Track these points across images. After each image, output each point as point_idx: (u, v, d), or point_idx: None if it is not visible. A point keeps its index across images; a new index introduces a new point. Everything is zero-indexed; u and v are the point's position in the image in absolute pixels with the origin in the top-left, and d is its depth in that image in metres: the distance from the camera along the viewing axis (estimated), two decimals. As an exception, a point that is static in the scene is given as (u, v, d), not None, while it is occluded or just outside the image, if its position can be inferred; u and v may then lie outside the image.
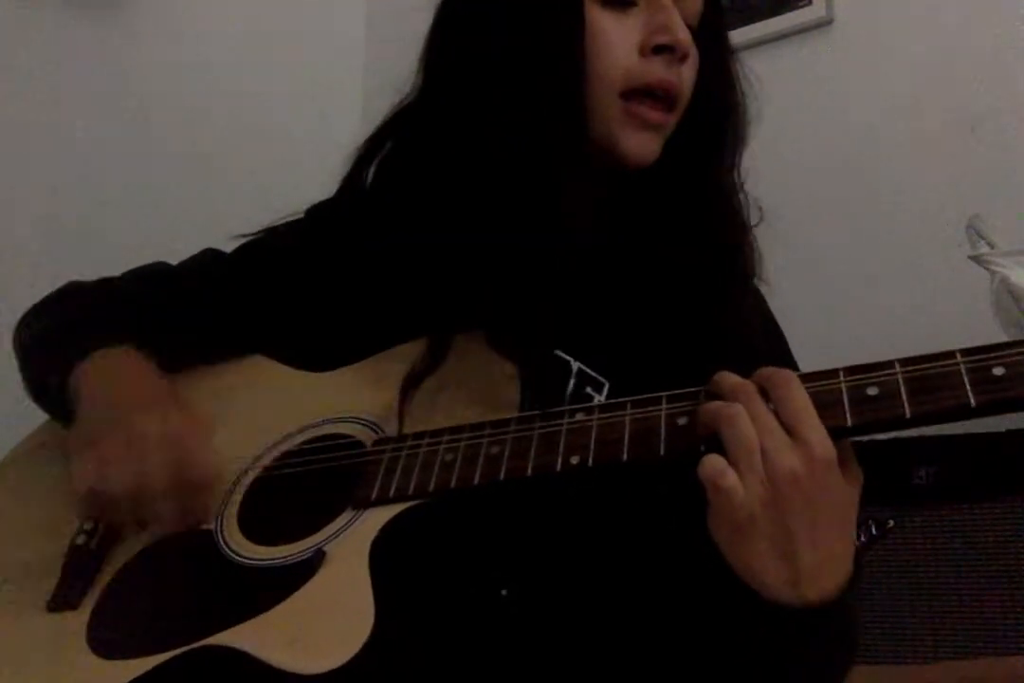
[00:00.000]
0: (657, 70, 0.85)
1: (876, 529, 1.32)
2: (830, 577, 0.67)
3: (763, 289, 0.97)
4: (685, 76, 0.87)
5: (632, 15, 0.86)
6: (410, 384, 0.82)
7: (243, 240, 1.01)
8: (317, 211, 1.00)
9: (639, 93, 0.85)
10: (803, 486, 0.64)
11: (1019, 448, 1.27)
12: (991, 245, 1.31)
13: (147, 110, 1.93)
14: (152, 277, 1.02)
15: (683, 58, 0.86)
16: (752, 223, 0.94)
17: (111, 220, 1.83)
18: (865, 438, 1.37)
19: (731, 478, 0.64)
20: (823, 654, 0.72)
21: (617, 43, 0.85)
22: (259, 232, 1.00)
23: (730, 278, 0.89)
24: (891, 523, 1.32)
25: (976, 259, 1.30)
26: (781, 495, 0.64)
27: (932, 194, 1.67)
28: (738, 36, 1.91)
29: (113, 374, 0.88)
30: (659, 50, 0.85)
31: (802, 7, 1.87)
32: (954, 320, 1.41)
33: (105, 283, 1.02)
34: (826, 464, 0.65)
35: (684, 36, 0.85)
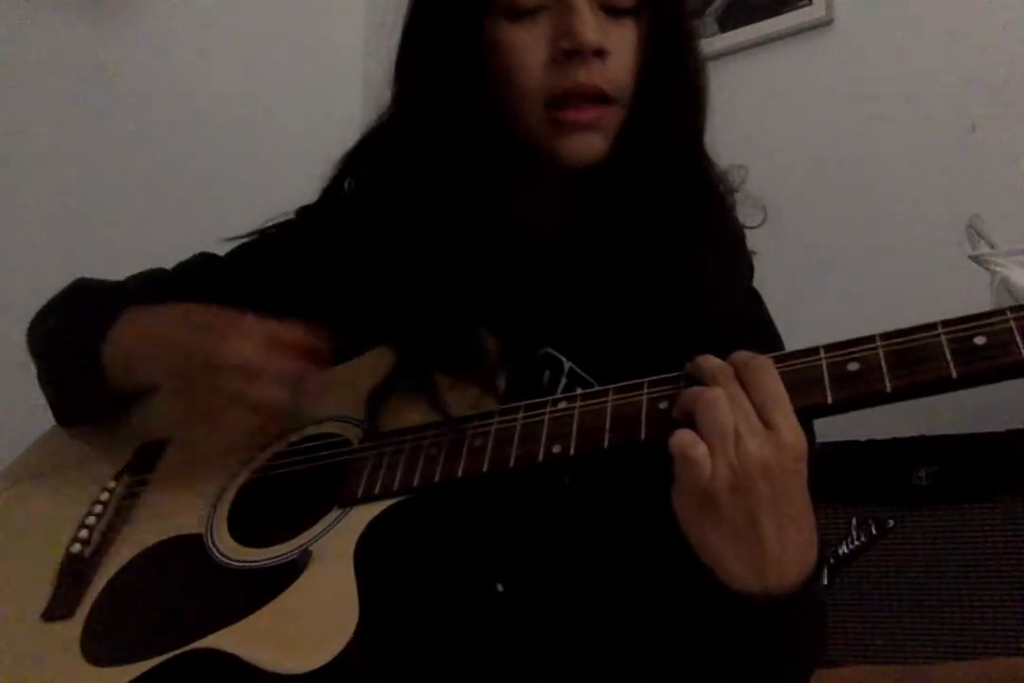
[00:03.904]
0: (571, 75, 0.82)
1: (876, 529, 1.33)
2: (794, 566, 0.66)
3: (761, 287, 0.96)
4: (612, 70, 0.83)
5: (542, 20, 0.83)
6: (376, 396, 0.82)
7: (234, 243, 1.01)
8: (307, 212, 1.00)
9: (563, 99, 0.83)
10: (773, 475, 0.64)
11: (1019, 448, 1.27)
12: (991, 245, 1.31)
13: (146, 112, 1.93)
14: (151, 281, 1.02)
15: (599, 54, 0.82)
16: (755, 224, 0.93)
17: (110, 221, 1.84)
18: (864, 438, 1.37)
19: (701, 449, 0.64)
20: (788, 645, 0.71)
21: (527, 56, 0.83)
22: (251, 234, 1.00)
23: (712, 266, 0.87)
24: (891, 523, 1.33)
25: (976, 259, 1.30)
26: (749, 483, 0.63)
27: (932, 194, 1.67)
28: (738, 36, 1.94)
29: (149, 318, 0.88)
30: (569, 54, 0.82)
31: (802, 7, 1.87)
32: (954, 320, 1.41)
33: (112, 282, 1.03)
34: (796, 454, 0.64)
35: (588, 36, 0.81)
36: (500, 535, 0.79)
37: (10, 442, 1.04)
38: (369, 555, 0.72)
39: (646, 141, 0.86)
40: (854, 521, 1.34)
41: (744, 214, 0.93)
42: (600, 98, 0.83)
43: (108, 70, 1.89)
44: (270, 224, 1.00)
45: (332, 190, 0.97)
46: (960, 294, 1.40)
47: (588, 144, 0.84)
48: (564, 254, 0.89)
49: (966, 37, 1.70)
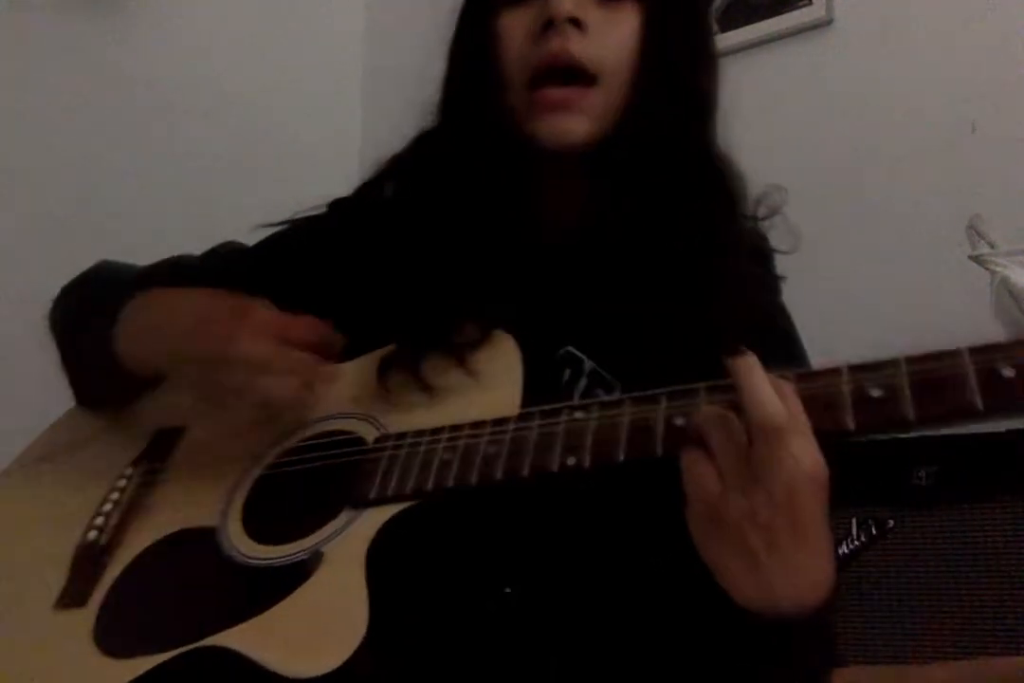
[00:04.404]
0: (546, 47, 0.84)
1: (876, 529, 1.33)
2: (808, 590, 0.64)
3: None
4: (592, 44, 0.84)
5: (534, 5, 0.86)
6: (384, 366, 0.83)
7: (265, 230, 1.01)
8: (340, 206, 1.00)
9: (543, 77, 0.85)
10: (791, 503, 0.61)
11: (1019, 448, 1.27)
12: (991, 245, 1.31)
13: (146, 111, 1.93)
14: (176, 266, 1.02)
15: (576, 24, 0.84)
16: (789, 249, 0.94)
17: (111, 221, 1.84)
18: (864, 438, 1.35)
19: (706, 467, 0.63)
20: (798, 662, 0.70)
21: (516, 37, 0.86)
22: (282, 223, 1.01)
23: (720, 262, 0.87)
24: (891, 523, 1.33)
25: (976, 259, 1.30)
26: (763, 510, 0.61)
27: (932, 194, 1.67)
28: (738, 36, 1.94)
29: (159, 304, 0.88)
30: (546, 27, 0.84)
31: (802, 7, 1.88)
32: (954, 320, 1.41)
33: (134, 266, 1.04)
34: (815, 481, 0.62)
35: (562, 7, 0.83)
36: (510, 537, 0.79)
37: (22, 430, 1.04)
38: (379, 557, 0.72)
39: (639, 132, 0.86)
40: (854, 521, 1.34)
41: (776, 238, 0.93)
42: (578, 74, 0.84)
43: (108, 69, 1.89)
44: (301, 216, 1.00)
45: (371, 187, 0.98)
46: (960, 294, 1.40)
47: (563, 126, 0.85)
48: (585, 254, 0.89)
49: (966, 37, 1.70)
